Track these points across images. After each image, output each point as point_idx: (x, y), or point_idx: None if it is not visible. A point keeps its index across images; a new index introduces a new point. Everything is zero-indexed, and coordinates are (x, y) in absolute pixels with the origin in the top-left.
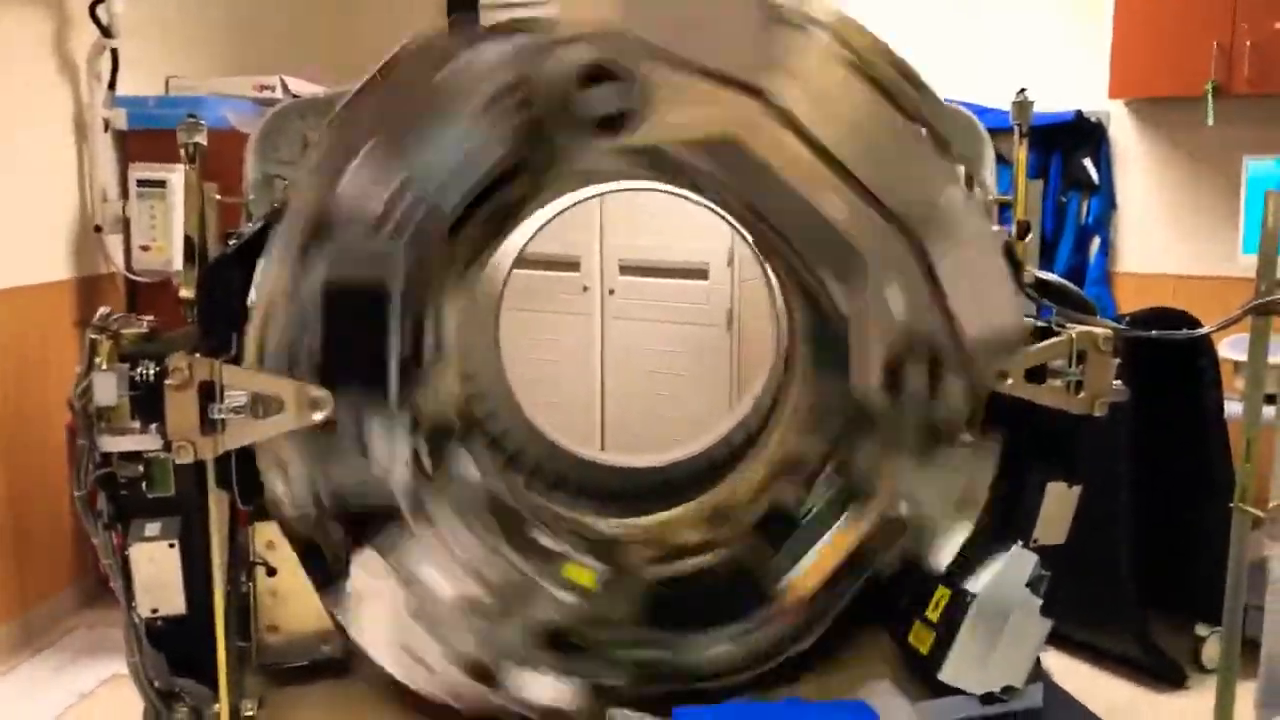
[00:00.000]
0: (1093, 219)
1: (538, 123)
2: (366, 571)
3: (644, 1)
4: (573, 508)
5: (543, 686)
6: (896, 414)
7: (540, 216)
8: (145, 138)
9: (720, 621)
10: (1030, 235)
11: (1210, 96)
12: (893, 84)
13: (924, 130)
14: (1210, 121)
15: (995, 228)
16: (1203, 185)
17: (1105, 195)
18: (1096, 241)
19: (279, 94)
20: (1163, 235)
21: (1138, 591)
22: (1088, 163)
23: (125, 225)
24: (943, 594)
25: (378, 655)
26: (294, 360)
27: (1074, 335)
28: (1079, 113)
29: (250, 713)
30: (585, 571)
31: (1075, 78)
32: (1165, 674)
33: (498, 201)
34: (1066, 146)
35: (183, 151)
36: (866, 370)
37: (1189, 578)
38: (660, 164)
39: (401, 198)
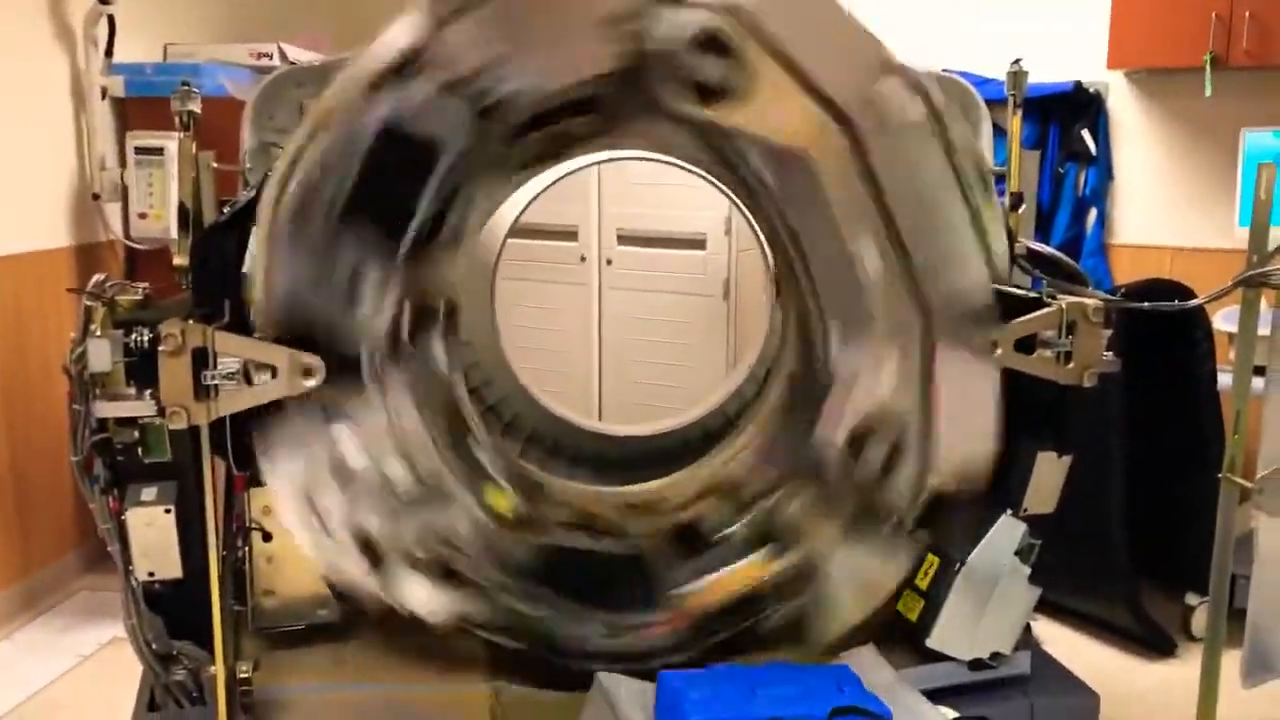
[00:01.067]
0: (1090, 190)
1: (640, 60)
2: (303, 410)
3: None
4: (569, 475)
5: (416, 591)
6: (844, 479)
7: (536, 184)
8: (143, 105)
9: (603, 607)
10: (1024, 206)
11: (1209, 67)
12: (966, 178)
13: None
14: (1209, 93)
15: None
16: (1201, 157)
17: (1103, 166)
18: (1094, 213)
19: (276, 61)
20: (1160, 207)
21: (1129, 561)
22: (1085, 134)
23: (123, 193)
24: (932, 561)
25: (282, 492)
26: (311, 199)
27: (1064, 306)
28: (1077, 83)
29: (245, 674)
30: (505, 498)
31: (1074, 48)
32: (1156, 642)
33: (565, 129)
34: (1064, 117)
35: (177, 119)
36: (834, 427)
37: (1180, 548)
38: (724, 153)
39: (493, 69)
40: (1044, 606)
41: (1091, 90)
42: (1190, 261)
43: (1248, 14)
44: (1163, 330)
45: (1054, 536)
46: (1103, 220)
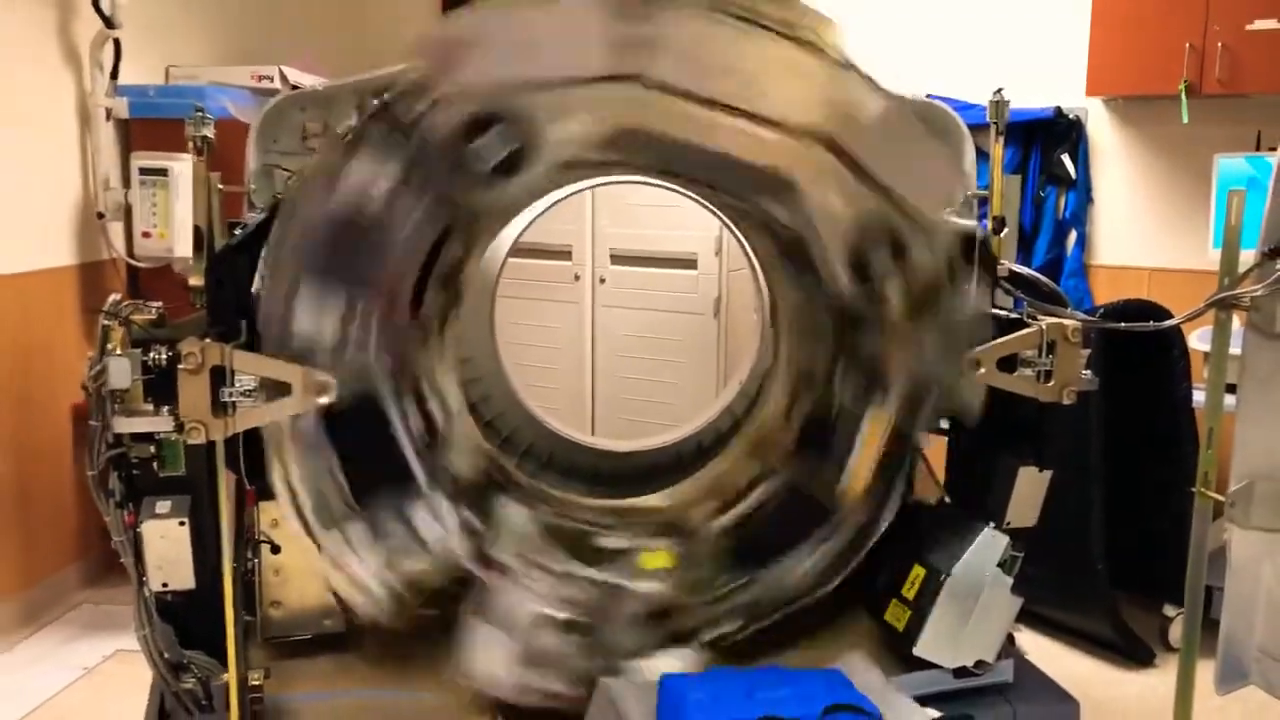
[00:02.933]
0: (1070, 213)
1: (442, 194)
2: (474, 633)
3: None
4: (562, 489)
5: (664, 663)
6: (874, 294)
7: (535, 208)
8: (146, 126)
9: (796, 543)
10: (1005, 230)
11: (1184, 96)
12: (751, 13)
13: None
14: (1185, 120)
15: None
16: (1176, 181)
17: (1082, 190)
18: (1074, 235)
19: (277, 84)
20: (1138, 229)
21: (1109, 575)
22: (1066, 158)
23: (126, 212)
24: (918, 573)
25: (505, 694)
26: (324, 501)
27: (1044, 326)
28: (1058, 109)
29: (257, 682)
30: (659, 555)
31: (1055, 75)
32: (1135, 653)
33: (442, 267)
34: (1046, 142)
35: (191, 145)
36: (834, 273)
37: (1159, 561)
38: (573, 173)
39: (350, 314)
40: (1027, 618)
41: (1071, 116)
42: (1167, 282)
43: (1220, 45)
44: (1141, 350)
45: (1036, 550)
46: (1082, 242)
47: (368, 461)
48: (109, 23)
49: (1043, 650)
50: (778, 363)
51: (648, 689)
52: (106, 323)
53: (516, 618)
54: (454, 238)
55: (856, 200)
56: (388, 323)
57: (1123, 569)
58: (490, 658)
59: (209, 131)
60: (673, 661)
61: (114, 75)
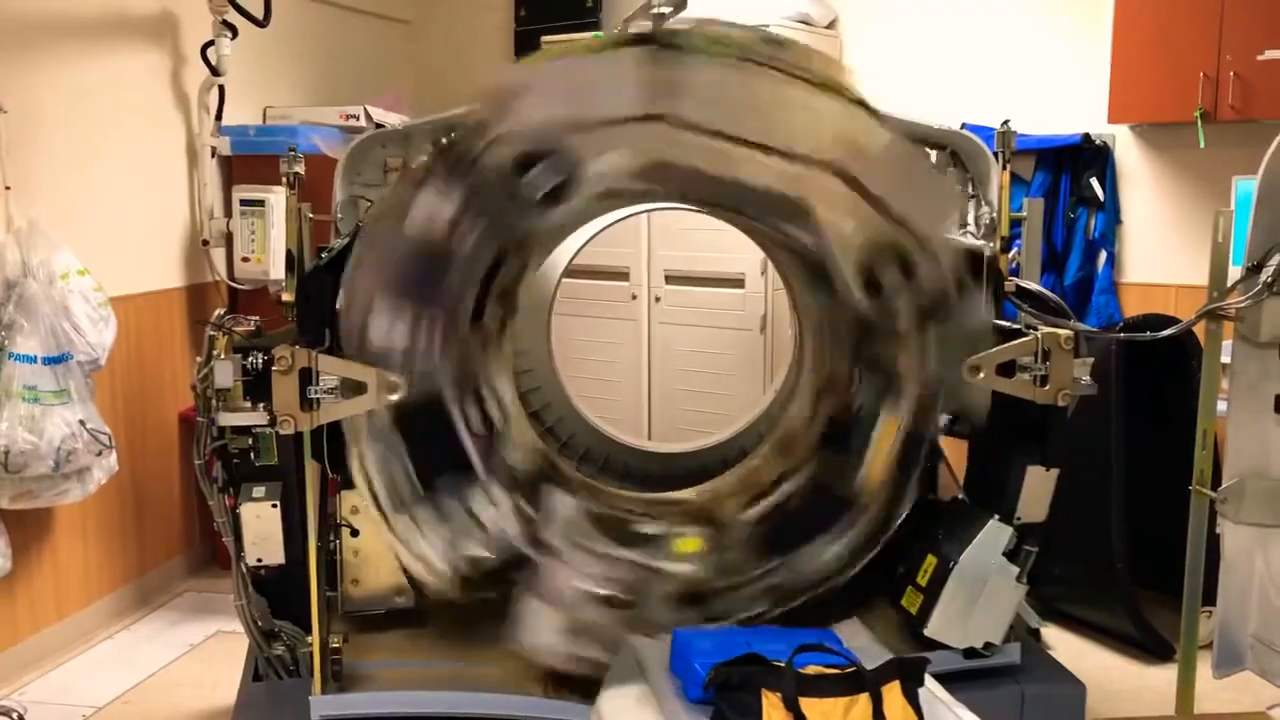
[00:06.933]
0: (1099, 233)
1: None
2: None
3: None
4: (620, 488)
5: None
6: (886, 307)
7: (587, 231)
8: (246, 162)
9: (819, 532)
10: (1014, 251)
11: (1200, 122)
12: (767, 58)
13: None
14: (1202, 145)
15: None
16: (1198, 202)
17: (1110, 211)
18: (1103, 254)
19: (362, 121)
20: (1163, 248)
21: (1130, 573)
22: (1094, 181)
23: (228, 239)
24: (930, 562)
25: (555, 663)
26: (394, 486)
27: (1040, 335)
28: (1086, 135)
29: (337, 645)
30: (690, 541)
31: (1083, 103)
32: (1155, 648)
33: (500, 284)
34: (1076, 166)
35: (284, 180)
36: (848, 286)
37: (1181, 560)
38: (612, 201)
39: (418, 327)
40: (1052, 615)
41: (1099, 141)
42: (1191, 297)
43: (1232, 74)
44: (1161, 359)
45: (1061, 550)
46: (1112, 261)
47: (433, 453)
48: (215, 71)
49: (1067, 645)
50: (804, 369)
51: (663, 642)
52: (212, 333)
53: (565, 595)
54: (509, 258)
55: (867, 223)
56: (451, 333)
57: (1146, 568)
58: (539, 630)
59: (300, 167)
60: None
61: (218, 117)
